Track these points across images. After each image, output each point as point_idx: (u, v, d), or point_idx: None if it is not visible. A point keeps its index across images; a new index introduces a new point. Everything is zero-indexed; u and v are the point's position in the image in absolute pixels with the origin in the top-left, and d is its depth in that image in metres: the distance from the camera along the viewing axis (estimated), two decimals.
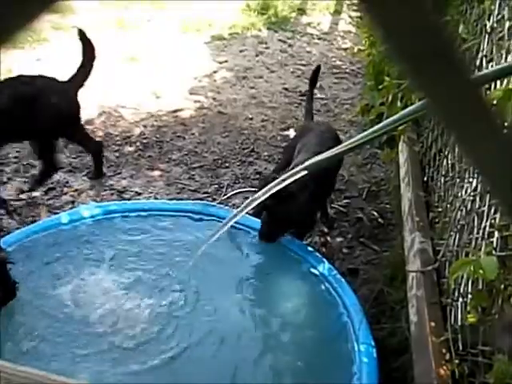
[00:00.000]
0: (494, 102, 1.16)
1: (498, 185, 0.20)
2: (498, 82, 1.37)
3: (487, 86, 1.37)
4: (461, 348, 1.42)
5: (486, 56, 1.69)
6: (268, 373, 1.62)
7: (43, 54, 3.58)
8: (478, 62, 1.75)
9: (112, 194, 2.51)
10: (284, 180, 1.38)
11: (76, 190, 2.52)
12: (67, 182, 2.57)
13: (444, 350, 1.45)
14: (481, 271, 1.19)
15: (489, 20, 1.71)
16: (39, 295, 1.80)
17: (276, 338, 1.72)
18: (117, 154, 2.78)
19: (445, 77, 0.17)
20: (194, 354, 1.66)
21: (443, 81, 0.17)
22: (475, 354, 1.34)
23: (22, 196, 2.44)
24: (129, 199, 2.46)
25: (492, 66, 1.59)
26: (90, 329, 1.70)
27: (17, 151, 2.73)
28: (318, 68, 2.51)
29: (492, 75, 0.96)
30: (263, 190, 1.49)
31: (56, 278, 1.86)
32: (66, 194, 2.50)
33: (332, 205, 2.48)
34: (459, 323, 1.45)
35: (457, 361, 1.40)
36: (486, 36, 1.72)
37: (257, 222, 2.14)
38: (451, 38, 0.17)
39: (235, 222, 1.63)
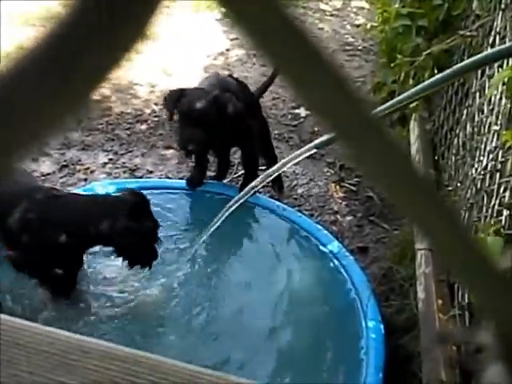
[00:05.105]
0: (505, 80, 1.15)
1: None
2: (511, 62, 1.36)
3: (498, 64, 1.35)
4: (467, 325, 1.44)
5: (499, 33, 1.67)
6: (276, 348, 1.66)
7: None
8: (491, 40, 1.73)
9: (124, 172, 2.54)
10: (297, 156, 1.40)
11: (88, 168, 2.55)
12: (79, 160, 2.60)
13: (451, 327, 1.47)
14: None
15: None
16: None
17: (285, 314, 1.75)
18: (128, 132, 2.80)
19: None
20: (207, 328, 1.70)
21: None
22: None
23: (35, 174, 2.48)
24: (141, 177, 2.49)
25: (505, 42, 1.57)
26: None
27: None
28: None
29: (482, 60, 0.95)
30: (275, 168, 1.50)
31: None
32: (78, 171, 2.53)
33: (342, 183, 2.49)
34: (466, 300, 1.47)
35: None
36: (500, 13, 1.69)
37: (264, 199, 2.16)
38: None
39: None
